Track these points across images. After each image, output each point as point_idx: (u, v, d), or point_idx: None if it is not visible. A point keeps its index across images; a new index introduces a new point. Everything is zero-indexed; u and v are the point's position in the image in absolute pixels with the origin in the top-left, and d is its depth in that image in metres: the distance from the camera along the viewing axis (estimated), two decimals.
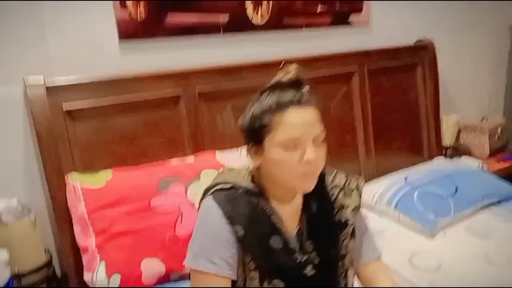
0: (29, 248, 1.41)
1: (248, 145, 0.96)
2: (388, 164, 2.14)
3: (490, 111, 2.71)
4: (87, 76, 1.48)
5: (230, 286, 0.92)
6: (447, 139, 2.39)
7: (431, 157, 2.30)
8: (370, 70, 2.10)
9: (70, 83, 1.45)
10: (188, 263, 0.93)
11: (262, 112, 0.91)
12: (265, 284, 0.92)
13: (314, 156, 0.88)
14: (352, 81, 2.07)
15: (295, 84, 0.93)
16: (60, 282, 1.51)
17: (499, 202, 1.86)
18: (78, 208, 1.35)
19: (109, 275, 1.27)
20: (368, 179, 2.05)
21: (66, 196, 1.40)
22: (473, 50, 2.60)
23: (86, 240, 1.33)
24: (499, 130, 2.46)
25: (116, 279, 1.27)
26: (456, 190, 1.79)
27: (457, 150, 2.45)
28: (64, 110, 1.42)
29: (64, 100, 1.43)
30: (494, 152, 2.43)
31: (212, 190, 0.97)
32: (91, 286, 1.29)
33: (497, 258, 1.46)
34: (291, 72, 0.93)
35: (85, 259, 1.33)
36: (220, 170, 1.08)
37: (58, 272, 1.55)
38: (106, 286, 1.26)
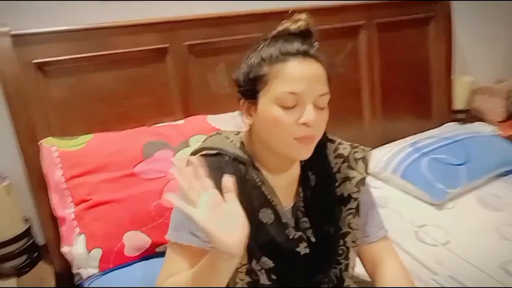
0: (4, 217, 1.34)
1: (241, 101, 0.85)
2: (395, 130, 2.04)
3: (505, 72, 2.56)
4: (60, 26, 1.34)
5: None
6: (459, 102, 2.28)
7: (441, 122, 2.20)
8: (379, 24, 1.94)
9: (40, 31, 1.31)
10: (169, 236, 0.85)
11: (260, 61, 0.80)
12: (253, 262, 0.84)
13: (314, 118, 0.77)
14: (359, 36, 1.93)
15: (304, 35, 0.82)
16: (42, 253, 1.44)
17: None
18: (55, 174, 1.26)
19: (89, 249, 1.19)
20: (373, 145, 1.95)
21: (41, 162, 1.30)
22: (489, 5, 2.42)
23: (64, 210, 1.25)
24: None
25: (96, 254, 1.19)
26: (469, 157, 1.70)
27: (470, 115, 2.34)
28: (34, 62, 1.30)
29: (34, 53, 1.30)
30: (510, 117, 2.31)
31: (197, 155, 0.87)
32: (69, 259, 1.22)
33: (510, 232, 1.39)
34: (300, 21, 0.82)
35: (62, 231, 1.25)
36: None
37: (41, 242, 1.48)
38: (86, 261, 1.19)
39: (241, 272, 0.84)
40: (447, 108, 2.24)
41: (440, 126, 2.15)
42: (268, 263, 0.84)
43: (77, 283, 1.22)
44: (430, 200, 1.57)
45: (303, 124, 0.78)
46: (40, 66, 1.31)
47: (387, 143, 1.95)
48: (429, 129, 2.07)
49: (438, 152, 1.72)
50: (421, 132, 2.03)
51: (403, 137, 1.97)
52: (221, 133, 0.95)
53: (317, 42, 0.84)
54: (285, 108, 0.78)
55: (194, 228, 0.80)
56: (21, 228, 1.37)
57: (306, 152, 0.82)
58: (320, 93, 0.79)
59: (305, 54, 0.79)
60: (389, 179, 1.72)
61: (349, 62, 1.93)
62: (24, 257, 1.36)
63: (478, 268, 1.22)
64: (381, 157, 1.79)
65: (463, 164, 1.66)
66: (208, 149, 0.88)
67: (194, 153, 0.91)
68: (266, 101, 0.80)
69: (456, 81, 2.25)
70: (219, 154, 0.87)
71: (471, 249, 1.30)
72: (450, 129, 2.01)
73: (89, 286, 1.18)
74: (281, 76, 0.78)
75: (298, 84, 0.77)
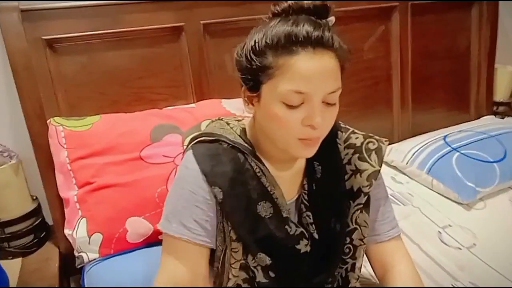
0: (12, 195, 1.36)
1: (242, 88, 0.81)
2: (426, 122, 1.96)
3: None
4: (71, 1, 1.34)
5: (207, 255, 0.82)
6: (500, 94, 2.16)
7: (478, 114, 2.10)
8: (414, 6, 1.85)
9: (51, 7, 1.31)
10: (160, 226, 0.83)
11: (264, 47, 0.73)
12: (249, 258, 0.82)
13: (321, 119, 0.72)
14: (391, 19, 1.84)
15: (319, 12, 0.74)
16: (51, 233, 1.47)
17: None
18: (60, 155, 1.27)
19: (90, 234, 1.20)
20: (402, 137, 1.90)
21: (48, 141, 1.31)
22: None
23: (68, 192, 1.26)
24: None
25: (97, 239, 1.20)
26: (505, 154, 1.60)
27: (511, 108, 2.21)
28: (43, 38, 1.30)
29: (43, 29, 1.30)
30: None
31: (194, 142, 0.86)
32: (71, 242, 1.23)
33: None
34: None
35: (66, 213, 1.27)
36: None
37: (50, 221, 1.51)
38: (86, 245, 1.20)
39: (235, 268, 0.82)
40: (487, 100, 2.13)
41: (477, 119, 2.05)
42: (265, 259, 0.81)
43: (79, 267, 1.23)
44: (458, 199, 1.49)
45: (310, 126, 0.73)
46: (50, 43, 1.32)
47: (417, 136, 1.87)
48: (465, 122, 1.98)
49: (471, 148, 1.63)
50: (456, 125, 1.93)
51: (435, 130, 1.88)
52: (222, 119, 0.92)
53: (332, 18, 0.76)
54: (290, 107, 0.73)
55: (185, 218, 0.78)
56: (28, 207, 1.39)
57: (309, 152, 0.78)
58: (330, 91, 0.73)
59: (316, 43, 0.71)
60: (415, 174, 1.65)
61: (379, 47, 1.85)
62: (31, 237, 1.38)
63: (504, 276, 1.14)
64: (408, 150, 1.71)
65: (498, 162, 1.57)
66: (206, 136, 0.86)
67: (192, 140, 0.88)
68: (269, 96, 0.74)
69: (498, 71, 2.13)
70: (217, 141, 0.84)
71: (498, 255, 1.23)
72: (487, 123, 1.91)
73: (88, 271, 1.19)
74: (287, 72, 0.71)
75: (306, 82, 0.71)
